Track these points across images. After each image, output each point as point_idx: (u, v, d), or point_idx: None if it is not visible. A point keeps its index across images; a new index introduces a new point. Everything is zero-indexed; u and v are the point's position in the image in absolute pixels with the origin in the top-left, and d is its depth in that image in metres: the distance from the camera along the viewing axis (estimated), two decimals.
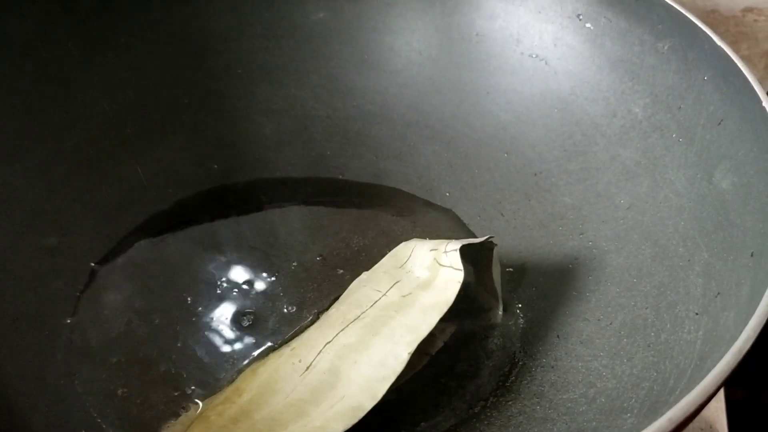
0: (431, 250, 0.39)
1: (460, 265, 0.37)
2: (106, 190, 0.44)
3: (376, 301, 0.38)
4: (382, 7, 0.49)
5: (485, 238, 0.38)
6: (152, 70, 0.47)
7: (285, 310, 0.41)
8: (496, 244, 0.39)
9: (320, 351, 0.37)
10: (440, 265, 0.38)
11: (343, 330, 0.37)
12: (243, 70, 0.49)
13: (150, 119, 0.46)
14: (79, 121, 0.44)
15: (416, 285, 0.38)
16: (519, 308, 0.40)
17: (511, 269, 0.42)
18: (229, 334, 0.40)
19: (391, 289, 0.39)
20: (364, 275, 0.41)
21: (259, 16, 0.49)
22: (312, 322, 0.40)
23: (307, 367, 0.36)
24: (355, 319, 0.37)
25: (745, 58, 0.57)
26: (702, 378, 0.24)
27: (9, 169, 0.41)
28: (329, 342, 0.37)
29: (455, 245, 0.38)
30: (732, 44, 0.56)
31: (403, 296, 0.38)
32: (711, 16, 0.54)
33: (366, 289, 0.39)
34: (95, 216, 0.43)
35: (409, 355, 0.35)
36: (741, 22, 0.54)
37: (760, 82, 0.35)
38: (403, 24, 0.49)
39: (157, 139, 0.46)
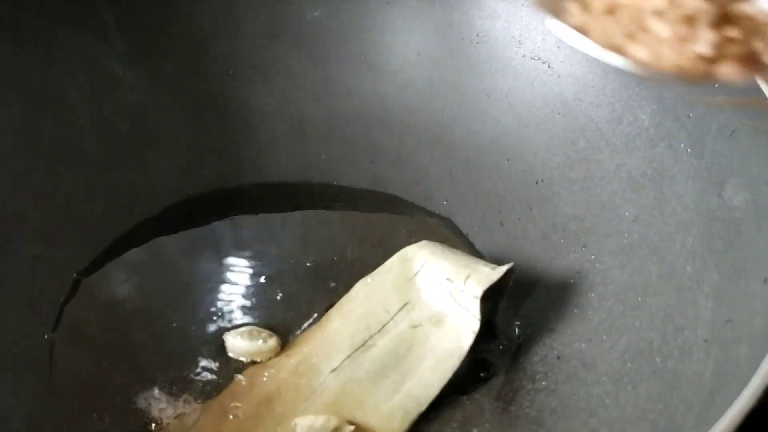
0: (446, 279, 0.37)
1: (478, 314, 0.36)
2: (92, 197, 0.43)
3: (385, 325, 0.38)
4: (380, 6, 0.47)
5: (505, 269, 0.37)
6: (142, 72, 0.45)
7: (281, 318, 0.40)
8: (513, 272, 0.38)
9: (325, 377, 0.36)
10: (455, 302, 0.37)
11: (349, 356, 0.36)
12: (236, 71, 0.47)
13: (139, 123, 0.45)
14: (64, 126, 0.43)
15: (427, 316, 0.37)
16: (518, 325, 0.39)
17: (510, 283, 0.40)
18: (221, 342, 0.39)
19: (400, 312, 0.38)
20: (369, 278, 0.40)
21: (253, 15, 0.47)
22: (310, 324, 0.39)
23: (312, 393, 0.36)
24: (362, 345, 0.37)
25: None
26: (713, 419, 0.23)
27: None
28: (334, 370, 0.36)
29: (475, 288, 0.36)
30: None
31: (414, 327, 0.37)
32: None
33: (373, 304, 0.38)
34: (80, 224, 0.42)
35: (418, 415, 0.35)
36: None
37: None
38: (401, 23, 0.47)
39: (146, 143, 0.45)
